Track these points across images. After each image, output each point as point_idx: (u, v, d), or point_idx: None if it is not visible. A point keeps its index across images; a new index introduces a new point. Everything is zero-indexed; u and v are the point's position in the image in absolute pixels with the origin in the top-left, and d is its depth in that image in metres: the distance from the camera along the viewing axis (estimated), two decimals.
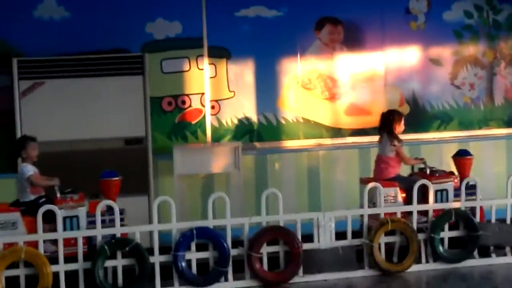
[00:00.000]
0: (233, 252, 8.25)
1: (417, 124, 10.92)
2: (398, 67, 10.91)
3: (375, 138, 10.45)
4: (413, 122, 10.83)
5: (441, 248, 8.71)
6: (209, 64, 10.32)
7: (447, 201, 8.88)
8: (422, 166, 9.14)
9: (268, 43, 10.46)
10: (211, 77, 10.35)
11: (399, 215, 8.68)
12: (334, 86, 10.73)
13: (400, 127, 9.12)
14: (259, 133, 10.52)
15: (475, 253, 8.84)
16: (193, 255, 8.19)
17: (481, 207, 8.93)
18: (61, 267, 7.91)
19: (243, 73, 10.47)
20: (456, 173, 9.20)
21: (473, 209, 8.87)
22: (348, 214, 8.65)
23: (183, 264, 8.10)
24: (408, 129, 10.70)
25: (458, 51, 11.07)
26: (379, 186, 8.68)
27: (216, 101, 10.41)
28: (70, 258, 7.96)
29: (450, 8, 11.01)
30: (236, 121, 10.45)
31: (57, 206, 7.93)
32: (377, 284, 8.39)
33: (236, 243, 8.31)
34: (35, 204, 8.04)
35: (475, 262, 8.80)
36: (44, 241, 7.90)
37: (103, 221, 8.03)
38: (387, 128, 9.08)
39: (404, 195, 8.84)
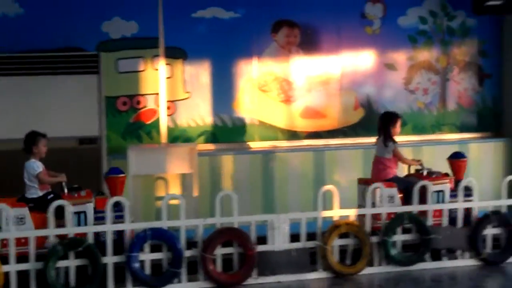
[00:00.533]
0: (187, 253, 8.22)
1: (372, 128, 10.95)
2: (354, 71, 10.99)
3: (330, 141, 10.57)
4: (368, 126, 10.92)
5: (393, 251, 8.78)
6: (165, 64, 10.27)
7: (443, 201, 9.01)
8: (419, 167, 9.27)
9: (224, 45, 10.46)
10: (167, 78, 10.31)
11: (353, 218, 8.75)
12: (290, 88, 10.76)
13: (396, 129, 9.26)
14: (215, 135, 10.50)
15: (427, 256, 8.93)
16: (147, 256, 8.15)
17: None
18: (13, 267, 7.82)
19: (199, 74, 10.45)
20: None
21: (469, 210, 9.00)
22: (302, 216, 8.67)
23: (137, 265, 8.05)
24: (362, 133, 10.85)
25: (412, 57, 11.18)
26: (381, 186, 8.77)
27: (172, 101, 10.37)
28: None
29: (405, 13, 11.13)
30: (191, 122, 10.42)
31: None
32: (330, 286, 8.42)
33: (190, 244, 8.29)
34: (43, 200, 8.07)
35: (427, 265, 8.89)
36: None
37: (101, 218, 8.10)
38: (384, 130, 9.21)
39: (401, 195, 8.97)
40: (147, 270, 8.12)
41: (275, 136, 10.69)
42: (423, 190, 8.85)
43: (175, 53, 10.33)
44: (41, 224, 7.94)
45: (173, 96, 10.36)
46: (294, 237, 8.56)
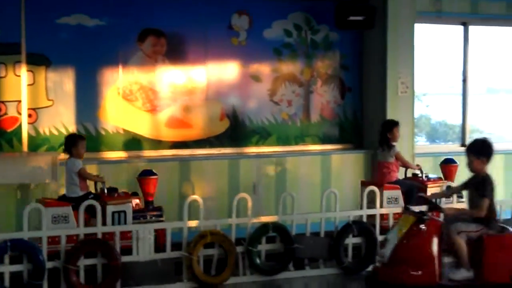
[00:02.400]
0: (49, 264, 8.01)
1: (237, 138, 11.08)
2: (220, 82, 11.04)
3: (196, 151, 10.60)
4: (233, 136, 11.00)
5: (258, 261, 8.86)
6: (27, 71, 10.00)
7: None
8: (417, 172, 10.23)
9: (89, 52, 10.27)
10: (28, 85, 10.03)
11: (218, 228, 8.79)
12: (156, 98, 10.69)
13: (394, 135, 10.23)
14: None
15: (291, 265, 9.06)
16: (6, 268, 7.89)
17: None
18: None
19: (62, 81, 10.22)
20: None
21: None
22: (167, 226, 8.63)
23: None
24: (227, 143, 10.92)
25: (277, 69, 11.35)
26: (376, 189, 9.36)
27: (34, 109, 10.09)
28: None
29: (270, 26, 11.28)
30: (54, 131, 10.17)
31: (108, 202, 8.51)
32: None
33: (53, 255, 8.08)
34: (85, 199, 8.45)
35: (291, 274, 9.02)
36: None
37: (144, 217, 8.75)
38: (381, 136, 10.25)
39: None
40: (7, 283, 7.86)
41: (140, 145, 10.59)
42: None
43: (37, 60, 10.06)
44: (83, 223, 8.27)
45: (35, 104, 10.09)
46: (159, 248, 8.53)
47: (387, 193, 9.78)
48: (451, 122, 13.05)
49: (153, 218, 8.88)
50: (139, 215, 8.80)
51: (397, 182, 10.09)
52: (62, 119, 10.21)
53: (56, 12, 10.13)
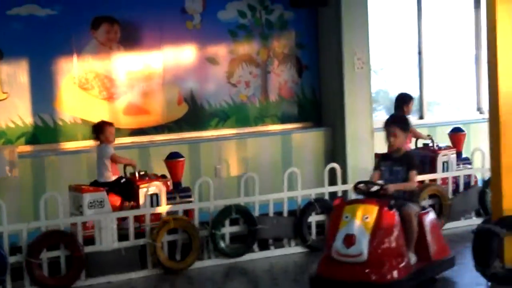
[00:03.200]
0: (11, 259, 7.96)
1: (196, 122, 11.05)
2: (176, 66, 10.99)
3: (155, 137, 10.58)
4: (192, 120, 10.97)
5: (222, 244, 8.88)
6: None
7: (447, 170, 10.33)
8: (428, 141, 10.56)
9: (42, 43, 10.15)
10: None
11: (181, 213, 8.79)
12: (112, 86, 10.62)
13: (408, 108, 10.57)
14: (36, 136, 10.18)
15: (255, 246, 9.09)
16: None
17: None
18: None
19: (16, 73, 10.10)
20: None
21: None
22: (129, 214, 8.62)
23: None
24: (187, 128, 10.90)
25: (233, 50, 11.32)
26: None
27: None
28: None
29: (224, 8, 11.24)
30: (10, 123, 10.06)
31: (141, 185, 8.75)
32: (160, 283, 8.44)
33: (15, 250, 8.03)
34: (117, 184, 8.87)
35: (256, 255, 9.07)
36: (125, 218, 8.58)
37: (173, 198, 8.91)
38: (398, 109, 10.48)
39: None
40: None
41: None
42: (434, 160, 10.19)
43: None
44: (117, 206, 8.69)
45: None
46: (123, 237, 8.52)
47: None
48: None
49: (183, 199, 9.04)
50: (169, 196, 8.91)
51: (412, 152, 10.11)
52: (18, 112, 10.09)
53: (7, 3, 9.98)
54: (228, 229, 8.98)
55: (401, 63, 12.78)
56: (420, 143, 10.81)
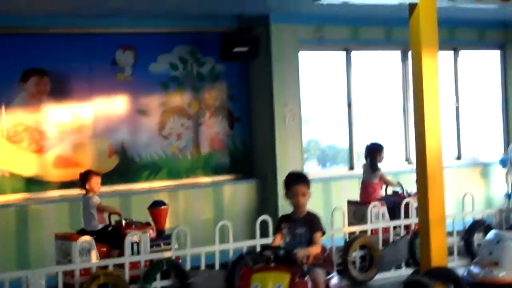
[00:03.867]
0: None
1: (127, 174, 10.98)
2: (107, 118, 10.94)
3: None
4: (123, 172, 10.90)
5: None
6: None
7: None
8: (398, 189, 10.97)
9: None
10: None
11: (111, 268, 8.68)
12: (42, 138, 10.51)
13: (380, 157, 10.92)
14: None
15: None
16: None
17: None
18: None
19: None
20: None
21: None
22: (59, 270, 8.46)
23: None
24: (117, 180, 10.80)
25: (165, 102, 11.33)
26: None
27: None
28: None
29: (156, 60, 11.28)
30: None
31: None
32: None
33: None
34: (104, 232, 9.02)
35: None
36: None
37: (157, 245, 9.08)
38: (370, 158, 10.90)
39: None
40: None
41: (28, 187, 10.35)
42: (406, 206, 10.35)
43: None
44: (104, 254, 8.83)
45: None
46: None
47: (374, 210, 10.27)
48: (339, 145, 13.27)
49: (167, 246, 9.19)
50: (153, 243, 9.10)
51: (382, 199, 10.78)
52: None
53: None
54: (159, 283, 8.89)
55: (332, 114, 12.93)
56: (390, 190, 11.15)
